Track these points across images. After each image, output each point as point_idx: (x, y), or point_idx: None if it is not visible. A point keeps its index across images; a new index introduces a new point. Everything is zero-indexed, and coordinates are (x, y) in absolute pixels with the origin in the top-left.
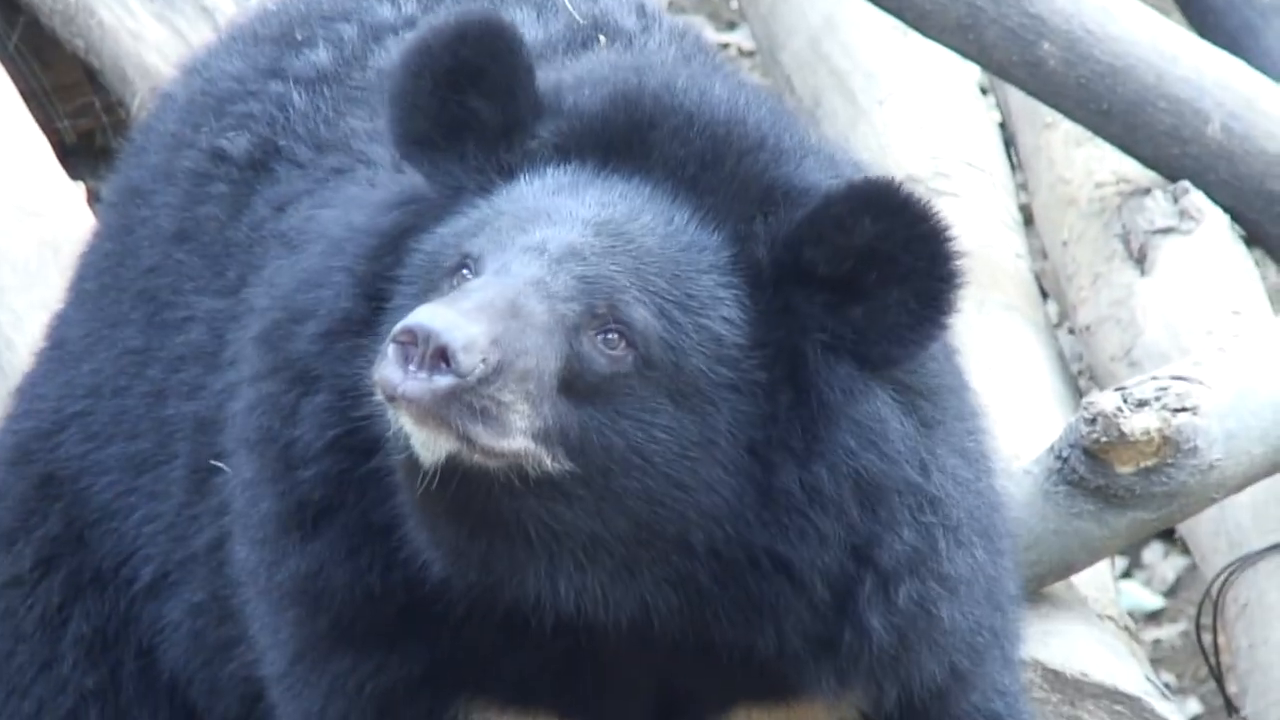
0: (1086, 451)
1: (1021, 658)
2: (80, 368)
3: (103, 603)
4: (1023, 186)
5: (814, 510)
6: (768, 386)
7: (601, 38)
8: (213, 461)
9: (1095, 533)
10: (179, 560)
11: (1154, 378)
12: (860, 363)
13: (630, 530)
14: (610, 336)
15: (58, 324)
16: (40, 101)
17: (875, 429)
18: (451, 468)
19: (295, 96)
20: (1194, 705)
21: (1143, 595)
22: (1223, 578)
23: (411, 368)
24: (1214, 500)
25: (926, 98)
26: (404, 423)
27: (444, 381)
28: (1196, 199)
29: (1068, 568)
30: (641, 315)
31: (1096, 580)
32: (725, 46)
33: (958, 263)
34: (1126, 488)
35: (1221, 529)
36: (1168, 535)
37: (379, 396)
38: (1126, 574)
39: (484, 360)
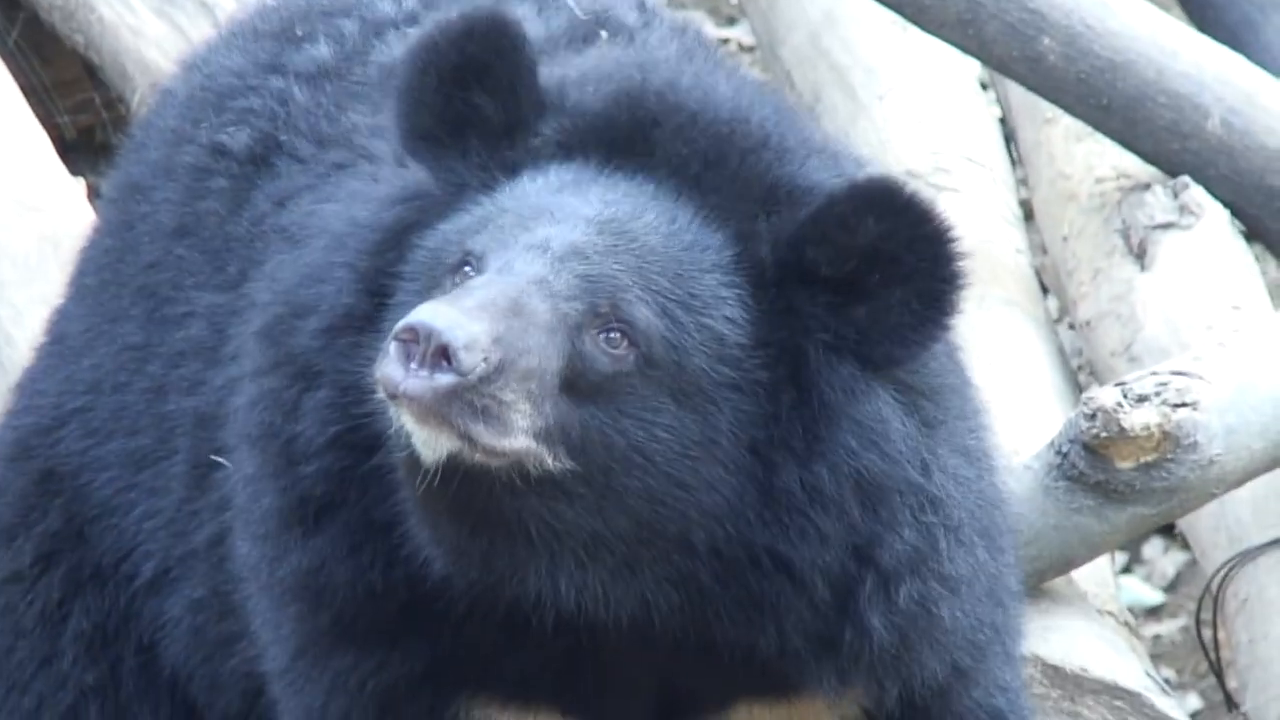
0: (1086, 447)
1: (1022, 653)
2: (80, 363)
3: (103, 599)
4: (1023, 182)
5: (815, 510)
6: (770, 386)
7: (603, 33)
8: (213, 457)
9: (1095, 528)
10: (180, 556)
11: (1154, 373)
12: (862, 363)
13: (631, 529)
14: (612, 335)
15: (58, 319)
16: (40, 97)
17: (877, 429)
18: (453, 466)
19: (296, 91)
20: (1194, 700)
21: (1143, 590)
22: (1223, 573)
23: (413, 366)
24: (1214, 495)
25: (926, 93)
26: (405, 421)
27: (445, 380)
28: (1196, 194)
29: (1068, 563)
30: (644, 314)
31: (1096, 575)
32: (725, 42)
33: (960, 264)
34: (1126, 483)
35: (1221, 524)
36: (1168, 530)
37: (380, 394)
38: (1126, 569)
39: (485, 359)
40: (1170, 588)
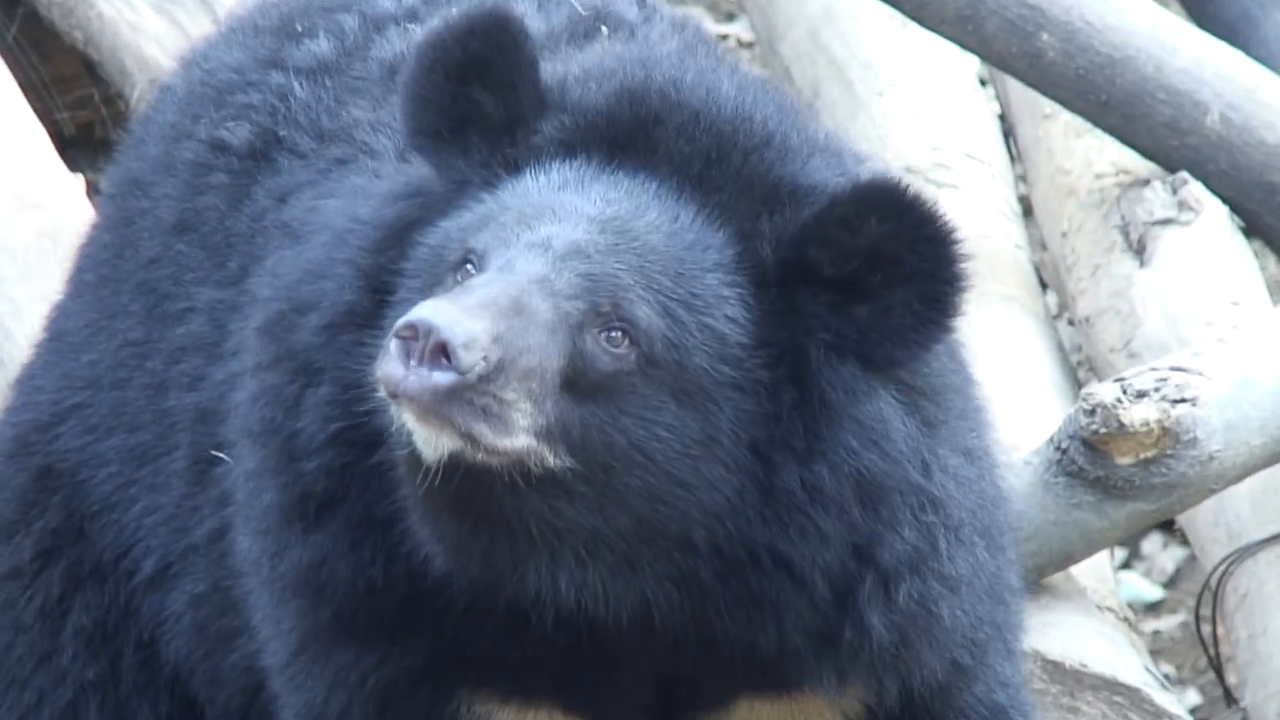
0: (1086, 443)
1: (1023, 649)
2: (79, 359)
3: (103, 595)
4: (1022, 178)
5: (815, 509)
6: (771, 386)
7: (603, 29)
8: (214, 452)
9: (1094, 524)
10: (180, 551)
11: (1153, 369)
12: (863, 363)
13: (632, 527)
14: (614, 335)
15: (57, 315)
16: (39, 93)
17: (877, 429)
18: (454, 465)
19: (296, 87)
20: (1193, 696)
21: (1142, 586)
22: (1222, 568)
23: (413, 363)
24: (1213, 491)
25: (926, 89)
26: (406, 420)
27: (444, 378)
28: (1196, 190)
29: (1067, 559)
30: (645, 313)
31: (1096, 571)
32: (724, 38)
33: (963, 265)
34: (1126, 479)
35: (1221, 520)
36: (1167, 526)
37: (381, 393)
38: (1126, 565)
39: (485, 358)
40: (1170, 583)
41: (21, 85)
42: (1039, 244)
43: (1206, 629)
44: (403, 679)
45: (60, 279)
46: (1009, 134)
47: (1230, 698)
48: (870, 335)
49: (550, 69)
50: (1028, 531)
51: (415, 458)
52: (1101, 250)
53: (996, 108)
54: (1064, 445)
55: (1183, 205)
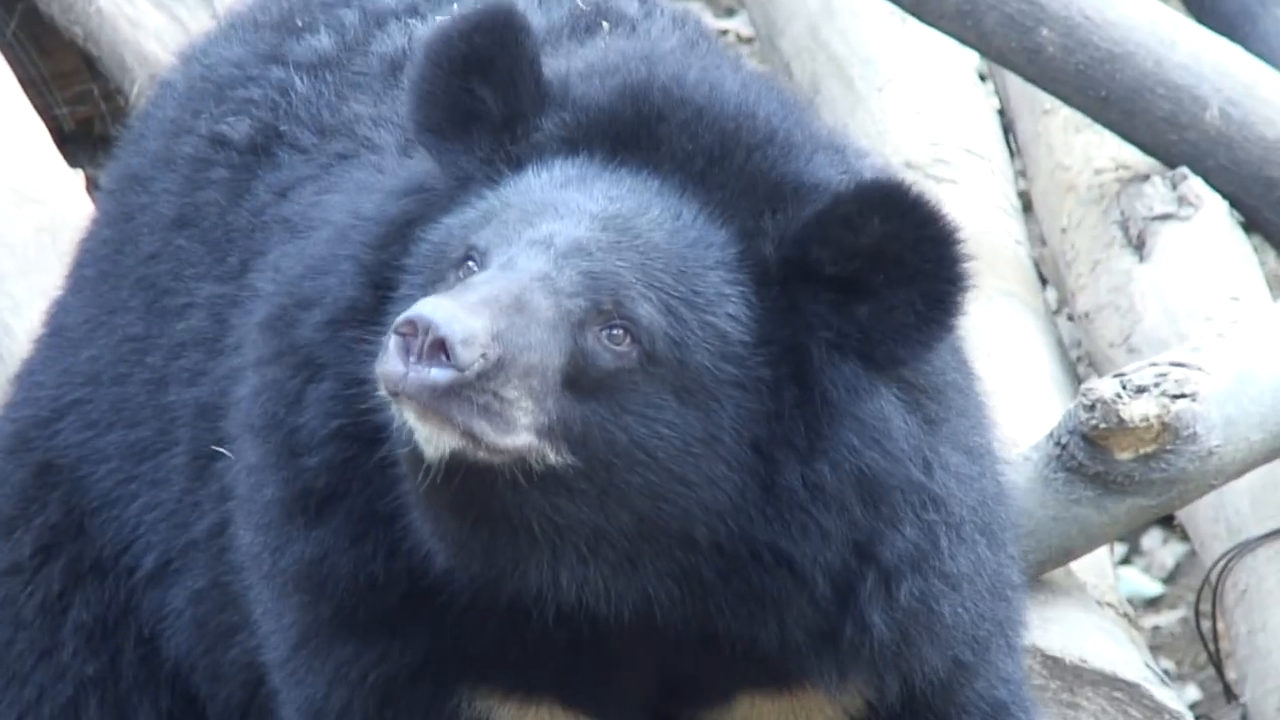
0: (1085, 438)
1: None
2: (79, 355)
3: (103, 591)
4: (1021, 173)
5: (817, 507)
6: (772, 384)
7: (604, 24)
8: (214, 447)
9: (1094, 519)
10: (181, 547)
11: (1153, 364)
12: (865, 362)
13: (633, 524)
14: (615, 332)
15: (56, 311)
16: (39, 89)
17: (879, 427)
18: (455, 463)
19: (297, 81)
20: (1193, 692)
21: (1142, 582)
22: (1222, 564)
23: (411, 359)
24: (1213, 486)
25: (925, 84)
26: (408, 418)
27: (443, 375)
28: (1195, 185)
29: (1067, 554)
30: (647, 311)
31: (1095, 567)
32: (724, 33)
33: (966, 265)
34: (1125, 474)
35: (1220, 515)
36: (1167, 522)
37: (382, 391)
38: (1125, 560)
39: (484, 355)
40: (1169, 579)
41: (21, 81)
42: (1038, 239)
43: (1206, 624)
44: (403, 674)
45: (60, 274)
46: (1008, 129)
47: (1230, 693)
48: (872, 334)
49: (553, 65)
50: (1027, 527)
51: (417, 456)
52: (1101, 246)
53: (996, 103)
54: (1064, 440)
55: (1182, 200)
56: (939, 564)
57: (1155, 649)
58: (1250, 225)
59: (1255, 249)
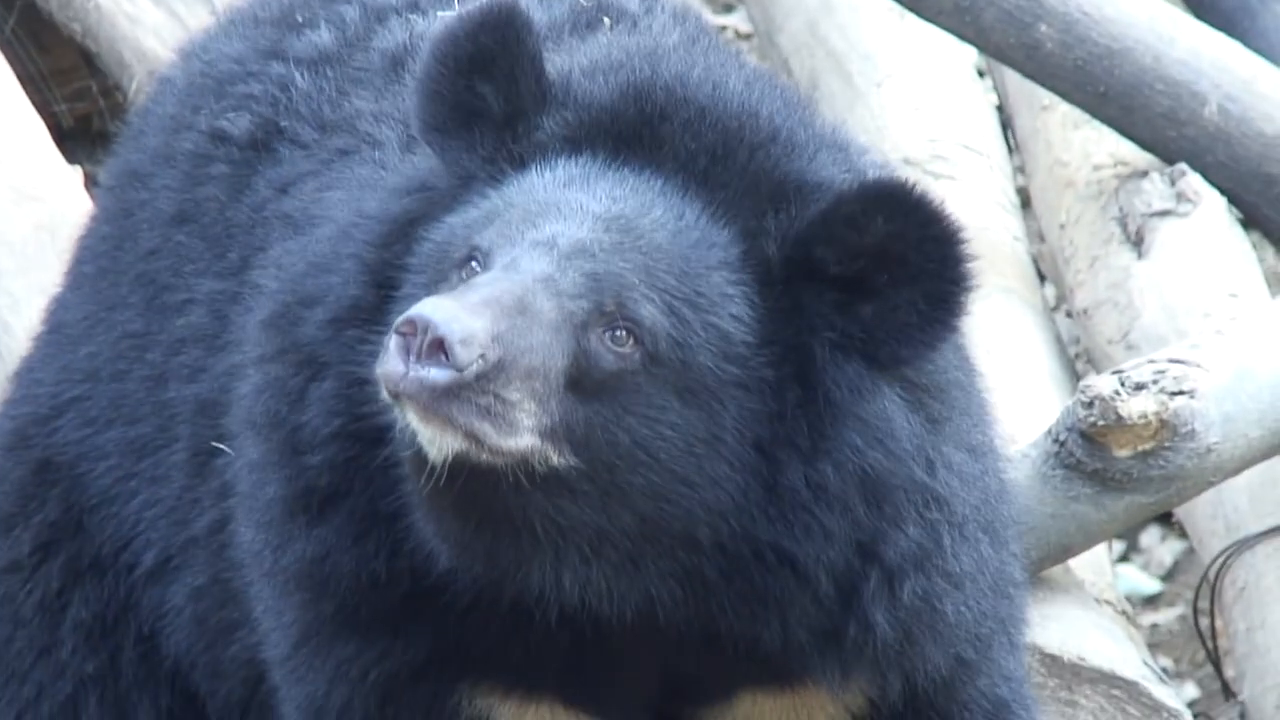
0: (1084, 435)
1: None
2: (78, 352)
3: (102, 588)
4: (1020, 169)
5: (819, 507)
6: (775, 384)
7: (606, 20)
8: (214, 444)
9: (1092, 516)
10: (180, 544)
11: (1151, 361)
12: (868, 362)
13: (636, 525)
14: (618, 334)
15: (55, 308)
16: (37, 85)
17: (882, 427)
18: (458, 464)
19: (297, 77)
20: (1191, 689)
21: (1140, 579)
22: (1220, 561)
23: (411, 359)
24: (1211, 484)
25: (924, 80)
26: (410, 419)
27: (441, 375)
28: (1194, 181)
29: (1065, 551)
30: (650, 313)
31: (1094, 564)
32: (723, 29)
33: (969, 264)
34: (1124, 471)
35: (1219, 512)
36: (1165, 519)
37: (383, 393)
38: (1124, 558)
39: (483, 356)
40: (1168, 576)
41: (19, 77)
42: (1037, 236)
43: (1205, 622)
44: (404, 673)
45: (59, 271)
46: (1007, 125)
47: (1228, 691)
48: (875, 334)
49: (555, 63)
50: (1026, 524)
51: (420, 457)
52: (1099, 242)
53: (994, 99)
54: (1062, 438)
55: (1181, 197)
56: (942, 563)
57: (1154, 646)
58: (1249, 221)
59: (1254, 245)
